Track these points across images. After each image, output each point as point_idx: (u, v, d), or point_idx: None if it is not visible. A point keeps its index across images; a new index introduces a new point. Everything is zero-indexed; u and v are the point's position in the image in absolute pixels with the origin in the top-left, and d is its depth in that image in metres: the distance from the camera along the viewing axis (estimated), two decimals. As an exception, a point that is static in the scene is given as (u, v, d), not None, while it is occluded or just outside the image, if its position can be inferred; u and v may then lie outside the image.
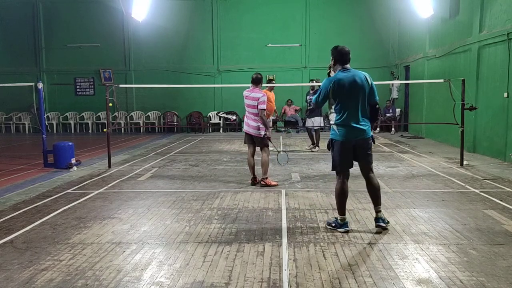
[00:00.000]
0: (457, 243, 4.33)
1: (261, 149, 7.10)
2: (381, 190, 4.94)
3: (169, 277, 3.62)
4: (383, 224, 4.73)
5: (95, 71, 18.96)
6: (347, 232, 4.72)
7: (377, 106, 4.81)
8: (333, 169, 4.83)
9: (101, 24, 18.57)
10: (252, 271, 3.72)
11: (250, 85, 7.13)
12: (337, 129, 4.67)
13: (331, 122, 4.76)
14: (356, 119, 4.61)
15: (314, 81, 11.52)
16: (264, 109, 6.86)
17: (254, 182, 7.15)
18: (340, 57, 4.71)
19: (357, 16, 17.96)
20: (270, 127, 11.33)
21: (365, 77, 4.67)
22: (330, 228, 4.86)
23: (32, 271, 3.77)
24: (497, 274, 3.60)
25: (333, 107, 4.71)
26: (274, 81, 12.18)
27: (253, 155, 7.17)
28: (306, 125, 11.69)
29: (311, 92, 11.31)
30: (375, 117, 4.87)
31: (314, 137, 11.41)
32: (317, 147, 11.35)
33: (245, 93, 7.08)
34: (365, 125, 4.66)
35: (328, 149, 4.88)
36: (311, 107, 11.16)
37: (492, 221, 5.05)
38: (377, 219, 4.78)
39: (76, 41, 18.74)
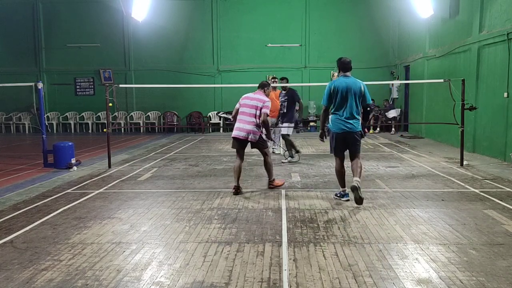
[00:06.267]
0: (457, 243, 4.33)
1: (262, 153, 6.83)
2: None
3: (169, 277, 3.62)
4: (356, 185, 5.55)
5: (95, 71, 18.95)
6: (347, 200, 5.92)
7: (368, 108, 5.99)
8: (331, 152, 6.09)
9: (101, 24, 18.56)
10: (252, 271, 3.72)
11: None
12: (332, 122, 5.86)
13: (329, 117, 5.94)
14: (347, 116, 5.76)
15: (285, 81, 9.75)
16: (267, 114, 6.60)
17: (238, 191, 6.54)
18: (341, 66, 5.92)
19: (357, 16, 17.96)
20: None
21: (360, 85, 5.84)
22: (335, 198, 6.08)
23: (32, 271, 3.77)
24: (497, 274, 3.60)
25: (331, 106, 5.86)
26: (277, 81, 10.80)
27: (242, 160, 6.76)
28: (280, 133, 9.67)
29: (283, 92, 9.56)
30: (367, 117, 6.15)
31: (288, 143, 9.43)
32: (296, 154, 9.52)
33: (250, 94, 6.77)
34: (354, 121, 5.78)
35: (322, 136, 6.09)
36: (283, 111, 9.44)
37: (492, 221, 5.05)
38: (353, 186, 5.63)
39: (76, 41, 18.73)
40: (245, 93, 6.96)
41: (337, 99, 5.78)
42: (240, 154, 6.77)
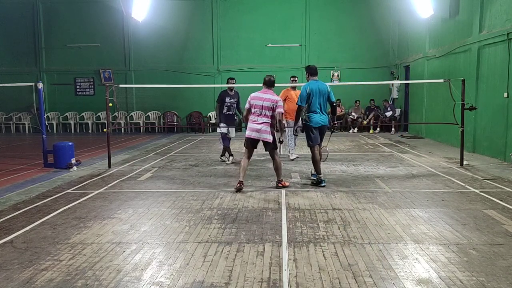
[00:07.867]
0: (457, 243, 4.33)
1: (271, 154, 6.91)
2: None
3: (169, 277, 3.62)
4: (323, 184, 6.98)
5: (95, 71, 18.94)
6: (323, 187, 6.91)
7: (334, 104, 7.21)
8: (308, 144, 7.14)
9: (101, 24, 18.56)
10: (252, 271, 3.72)
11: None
12: (309, 118, 7.00)
13: (306, 115, 7.07)
14: (320, 111, 7.00)
15: (234, 81, 9.36)
16: (283, 113, 6.89)
17: (242, 187, 6.71)
18: (311, 72, 7.15)
19: (357, 16, 17.95)
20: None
21: (327, 86, 7.10)
22: (311, 180, 7.25)
23: (32, 271, 3.77)
24: (497, 274, 3.60)
25: (306, 105, 6.99)
26: (296, 80, 10.43)
27: (249, 159, 6.99)
28: (228, 135, 9.45)
29: (230, 93, 9.25)
30: (335, 111, 7.38)
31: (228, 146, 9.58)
32: (231, 157, 9.58)
33: (259, 94, 6.81)
34: (326, 116, 7.10)
35: (302, 131, 7.29)
36: (233, 112, 9.33)
37: (492, 221, 5.06)
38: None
39: (76, 41, 18.72)
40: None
41: (312, 99, 6.90)
42: (250, 153, 6.96)
